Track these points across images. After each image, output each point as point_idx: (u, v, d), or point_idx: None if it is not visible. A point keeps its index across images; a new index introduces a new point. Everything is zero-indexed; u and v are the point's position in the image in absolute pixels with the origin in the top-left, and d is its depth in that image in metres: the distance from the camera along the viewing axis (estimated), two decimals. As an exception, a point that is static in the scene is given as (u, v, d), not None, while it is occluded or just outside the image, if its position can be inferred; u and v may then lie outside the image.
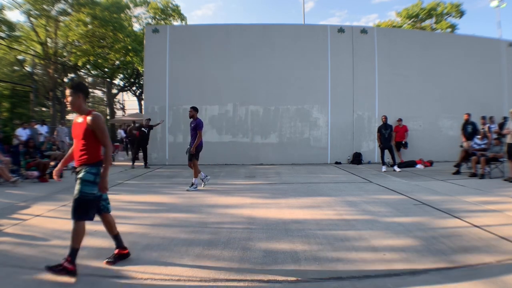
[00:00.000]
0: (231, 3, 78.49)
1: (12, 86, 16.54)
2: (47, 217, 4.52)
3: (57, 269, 2.62)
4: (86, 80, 28.59)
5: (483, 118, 9.71)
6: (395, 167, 9.62)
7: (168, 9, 26.08)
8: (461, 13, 26.58)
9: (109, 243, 3.49)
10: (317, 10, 68.52)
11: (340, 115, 11.93)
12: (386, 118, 9.80)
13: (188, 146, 6.69)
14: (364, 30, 12.21)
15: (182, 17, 26.77)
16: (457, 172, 8.59)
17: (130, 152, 15.06)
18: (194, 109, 6.67)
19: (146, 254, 3.18)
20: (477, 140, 8.65)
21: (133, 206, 5.31)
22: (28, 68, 24.44)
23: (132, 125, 15.30)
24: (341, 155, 11.86)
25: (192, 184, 6.60)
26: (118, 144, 17.71)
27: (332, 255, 3.13)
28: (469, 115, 9.28)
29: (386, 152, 9.77)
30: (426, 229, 3.86)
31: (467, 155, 8.69)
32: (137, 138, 10.89)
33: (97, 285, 2.57)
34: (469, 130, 9.17)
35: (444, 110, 11.94)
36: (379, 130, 9.82)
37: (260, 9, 78.37)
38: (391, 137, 9.81)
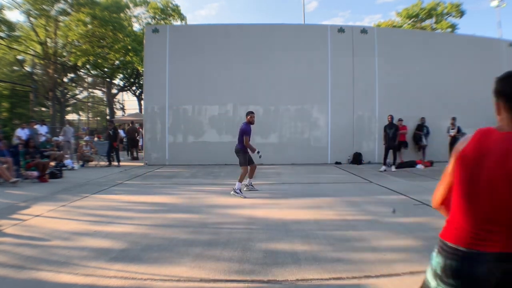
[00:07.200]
0: (235, 3, 78.21)
1: (12, 86, 16.51)
2: (47, 217, 4.51)
3: None
4: (86, 80, 28.55)
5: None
6: (392, 167, 9.65)
7: (168, 9, 26.06)
8: (461, 13, 26.57)
9: (109, 243, 3.50)
10: (320, 10, 68.25)
11: (340, 115, 11.91)
12: (392, 117, 9.83)
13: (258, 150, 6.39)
14: (364, 30, 12.20)
15: (182, 17, 26.75)
16: None
17: (129, 152, 15.04)
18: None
19: (146, 254, 3.17)
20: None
21: (133, 206, 5.30)
22: (28, 68, 24.40)
23: (131, 125, 15.32)
24: (341, 155, 11.84)
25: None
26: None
27: (332, 255, 3.12)
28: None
29: (390, 152, 9.80)
30: (427, 229, 3.85)
31: None
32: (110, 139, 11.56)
33: (97, 285, 2.56)
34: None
35: (444, 110, 11.92)
36: (384, 129, 9.90)
37: (264, 9, 78.08)
38: (396, 137, 9.80)
